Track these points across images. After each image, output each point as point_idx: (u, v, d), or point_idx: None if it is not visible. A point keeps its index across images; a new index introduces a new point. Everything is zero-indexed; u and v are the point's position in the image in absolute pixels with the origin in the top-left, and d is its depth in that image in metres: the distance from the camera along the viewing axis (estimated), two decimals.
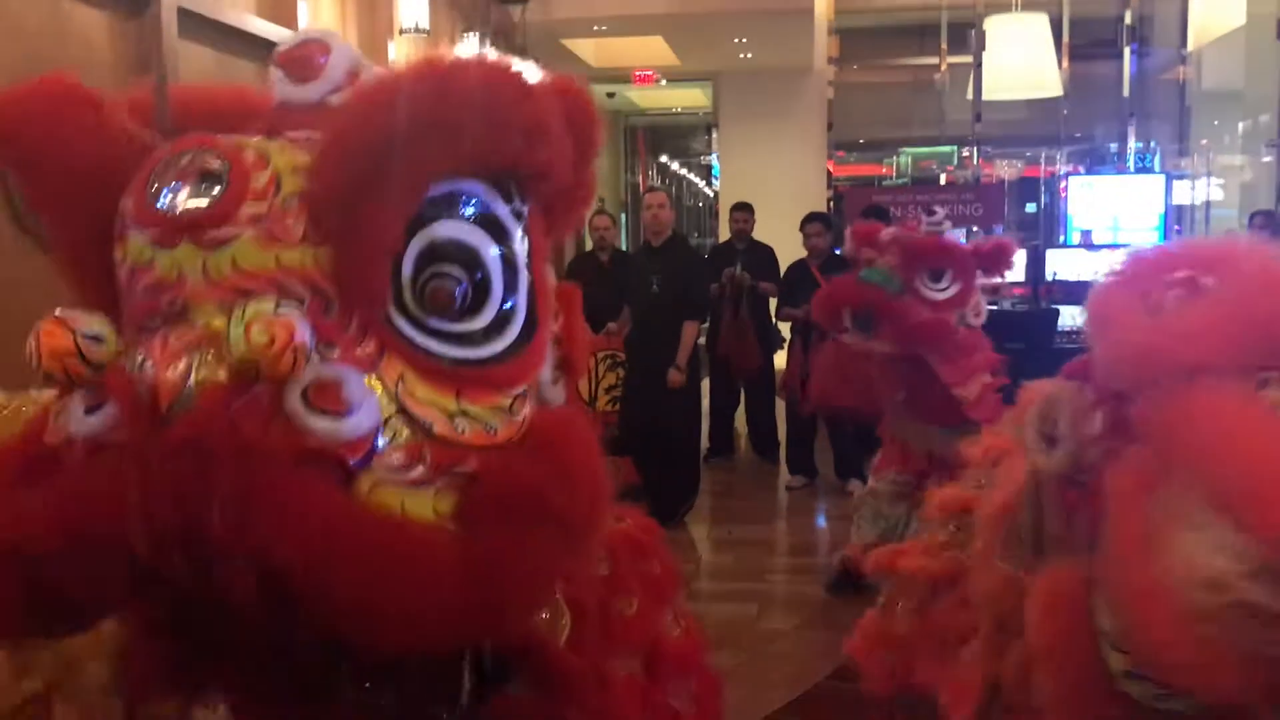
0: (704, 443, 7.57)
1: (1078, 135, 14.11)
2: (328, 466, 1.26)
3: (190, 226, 1.31)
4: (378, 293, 1.34)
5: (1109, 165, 13.54)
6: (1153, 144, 13.51)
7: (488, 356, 1.40)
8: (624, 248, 10.65)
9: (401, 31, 8.82)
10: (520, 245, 1.46)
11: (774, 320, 7.71)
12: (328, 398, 1.27)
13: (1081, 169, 13.65)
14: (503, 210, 1.46)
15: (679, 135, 21.17)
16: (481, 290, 1.41)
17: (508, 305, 1.43)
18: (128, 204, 1.35)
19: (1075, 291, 7.60)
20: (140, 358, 1.24)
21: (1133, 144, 13.35)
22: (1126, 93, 13.37)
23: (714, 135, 14.53)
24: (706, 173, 17.39)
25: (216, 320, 1.25)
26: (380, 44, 8.79)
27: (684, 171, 22.10)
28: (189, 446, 1.17)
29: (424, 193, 1.34)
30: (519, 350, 1.44)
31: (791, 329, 7.17)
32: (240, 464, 1.17)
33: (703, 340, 7.15)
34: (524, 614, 1.42)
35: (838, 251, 8.06)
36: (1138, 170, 12.76)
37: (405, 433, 1.33)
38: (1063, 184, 12.35)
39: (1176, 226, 12.71)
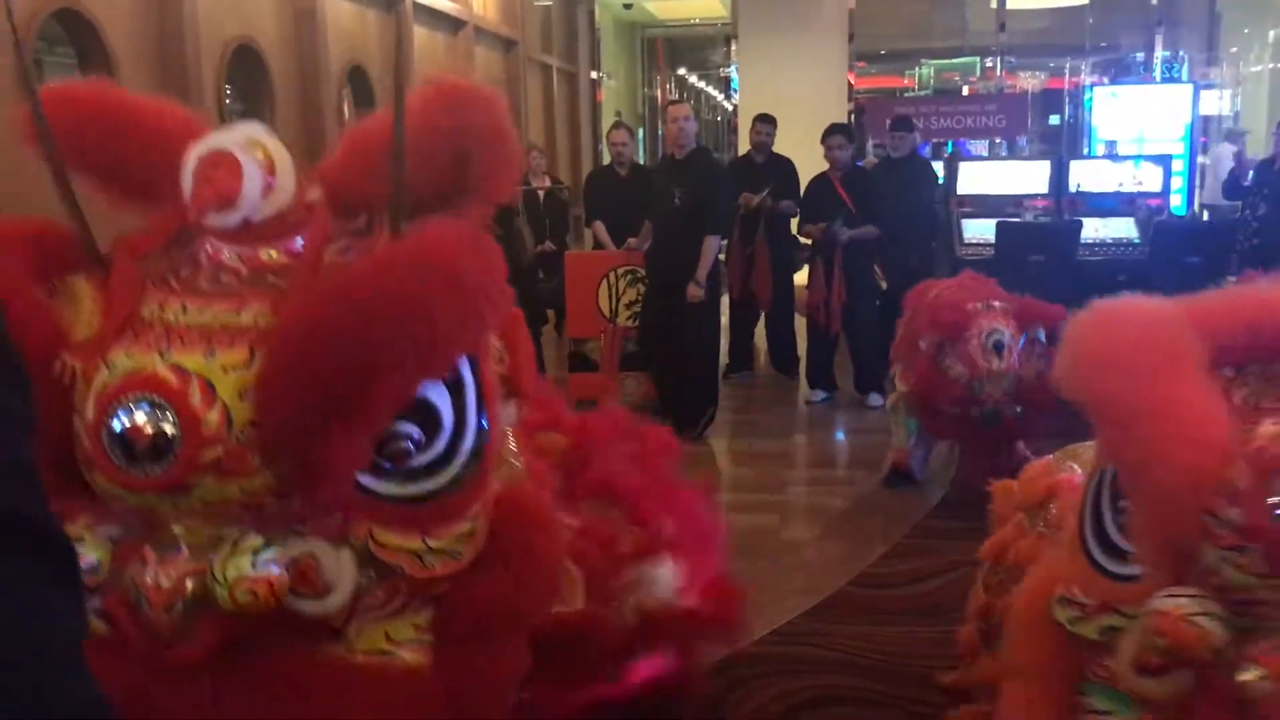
0: (723, 359, 7.59)
1: (1103, 45, 13.83)
2: (318, 628, 1.47)
3: (155, 489, 1.41)
4: (343, 489, 1.47)
5: (1135, 75, 13.27)
6: (1180, 53, 13.22)
7: (444, 485, 1.53)
8: (641, 161, 10.59)
9: None
10: (471, 385, 1.58)
11: (794, 236, 7.68)
12: (308, 582, 1.45)
13: (1106, 79, 13.40)
14: (463, 367, 1.57)
15: (697, 47, 20.84)
16: (432, 428, 1.53)
17: (458, 437, 1.56)
18: (85, 443, 1.42)
19: (1098, 203, 7.54)
20: (129, 576, 1.41)
21: (1160, 53, 13.07)
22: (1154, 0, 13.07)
23: (733, 47, 14.30)
24: (725, 86, 17.16)
25: (196, 542, 1.43)
26: None
27: (702, 84, 21.80)
28: (197, 666, 1.40)
29: (383, 413, 1.45)
30: (471, 470, 1.56)
31: (812, 246, 7.14)
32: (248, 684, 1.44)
33: (723, 256, 7.14)
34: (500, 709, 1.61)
35: (859, 164, 8.00)
36: (1164, 80, 12.51)
37: (381, 577, 1.51)
38: (1087, 95, 12.15)
39: (1203, 137, 12.52)
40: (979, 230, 7.38)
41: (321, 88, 7.45)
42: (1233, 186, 7.48)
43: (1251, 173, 7.42)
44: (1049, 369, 4.57)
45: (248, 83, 6.91)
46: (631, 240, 6.76)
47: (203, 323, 1.47)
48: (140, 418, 1.38)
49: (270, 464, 1.42)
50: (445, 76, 1.71)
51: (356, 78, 8.29)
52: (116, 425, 1.39)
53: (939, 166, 8.44)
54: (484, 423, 1.60)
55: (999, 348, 4.56)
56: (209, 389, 1.41)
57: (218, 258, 1.57)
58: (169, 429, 1.39)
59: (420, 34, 9.21)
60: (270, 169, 1.59)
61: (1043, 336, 4.68)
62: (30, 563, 0.59)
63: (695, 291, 6.09)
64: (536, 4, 11.96)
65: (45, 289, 1.52)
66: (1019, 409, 4.63)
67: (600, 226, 7.27)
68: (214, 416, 1.39)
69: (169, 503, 1.44)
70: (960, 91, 14.10)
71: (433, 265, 1.42)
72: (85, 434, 1.43)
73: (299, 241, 1.59)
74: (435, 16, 9.69)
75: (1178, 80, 12.27)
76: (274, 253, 1.58)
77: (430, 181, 1.63)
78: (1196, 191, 11.52)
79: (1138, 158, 8.39)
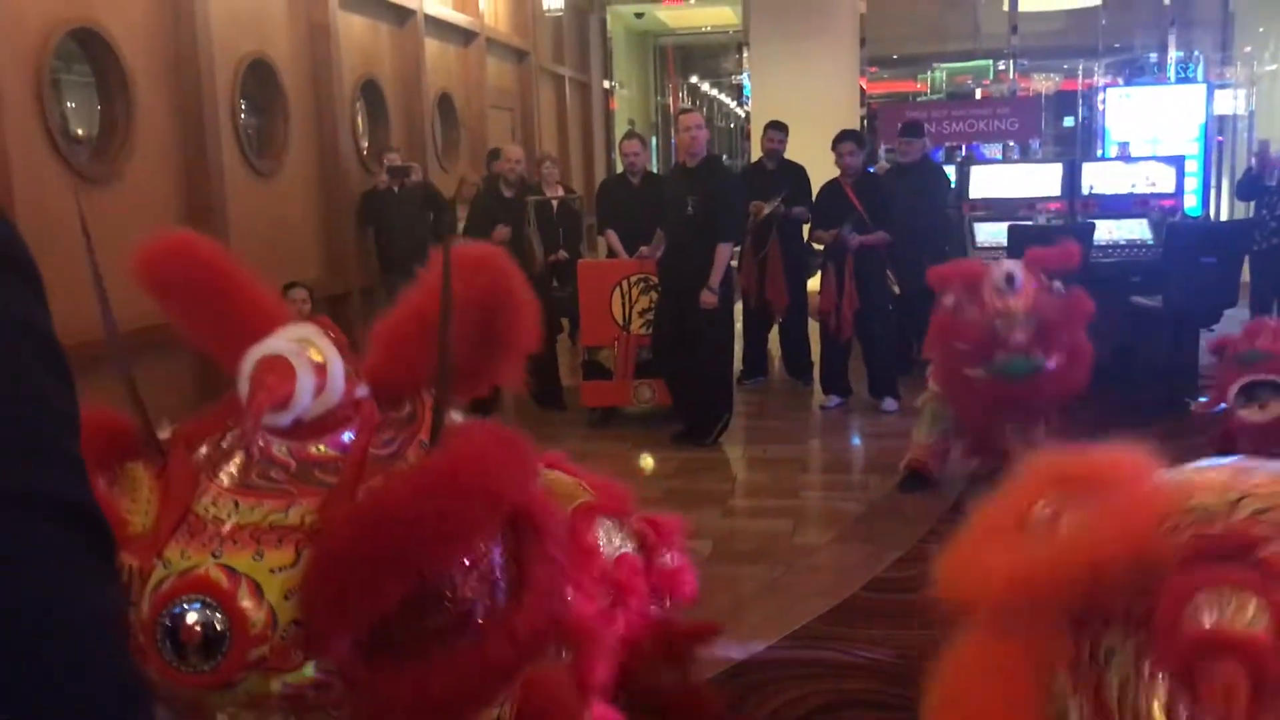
0: (737, 365, 7.61)
1: (1117, 46, 13.78)
2: None
3: (203, 686, 1.51)
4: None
5: (1148, 76, 13.23)
6: (1194, 53, 13.17)
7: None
8: (654, 170, 10.62)
9: None
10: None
11: (807, 243, 7.69)
12: None
13: (1120, 80, 13.36)
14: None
15: (709, 55, 20.89)
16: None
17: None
18: (138, 637, 1.53)
19: (1111, 205, 7.52)
20: None
21: (1173, 53, 13.03)
22: (1167, 0, 13.03)
23: (745, 54, 14.33)
24: (737, 93, 17.20)
25: None
26: None
27: (714, 92, 21.83)
28: None
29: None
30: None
31: (824, 252, 7.14)
32: None
33: (735, 263, 7.15)
34: None
35: (871, 170, 8.01)
36: (1178, 80, 12.47)
37: None
38: (1101, 96, 12.12)
39: (1219, 137, 12.47)
40: (992, 234, 7.37)
41: (335, 101, 7.51)
42: (1249, 186, 7.45)
43: (1278, 171, 7.39)
44: (1073, 307, 4.76)
45: (262, 96, 6.98)
46: (644, 249, 6.79)
47: (253, 521, 1.57)
48: (192, 617, 1.48)
49: (311, 658, 1.51)
50: (455, 245, 1.84)
51: (369, 91, 8.35)
52: (170, 623, 1.48)
53: (951, 170, 8.44)
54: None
55: (1010, 280, 4.63)
56: (257, 590, 1.51)
57: (269, 451, 1.67)
58: (218, 629, 1.48)
59: (432, 46, 9.27)
60: (321, 370, 1.69)
61: (1060, 285, 4.80)
62: (83, 543, 0.63)
63: (709, 298, 6.12)
64: (548, 14, 12.01)
65: (106, 478, 1.64)
66: (1048, 357, 4.68)
67: (613, 235, 7.30)
68: (261, 617, 1.49)
69: (215, 696, 1.54)
70: (973, 95, 14.09)
71: (471, 487, 1.56)
72: (139, 629, 1.54)
73: (347, 436, 1.70)
74: (447, 28, 9.75)
75: (1192, 80, 12.22)
76: (323, 447, 1.68)
77: (461, 350, 1.77)
78: (1212, 191, 11.49)
79: (1152, 158, 8.37)
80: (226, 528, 1.56)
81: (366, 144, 8.37)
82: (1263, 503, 1.64)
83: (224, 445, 1.71)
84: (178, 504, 1.60)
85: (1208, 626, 1.58)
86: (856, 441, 6.69)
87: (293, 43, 7.18)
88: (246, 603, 1.48)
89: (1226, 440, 4.19)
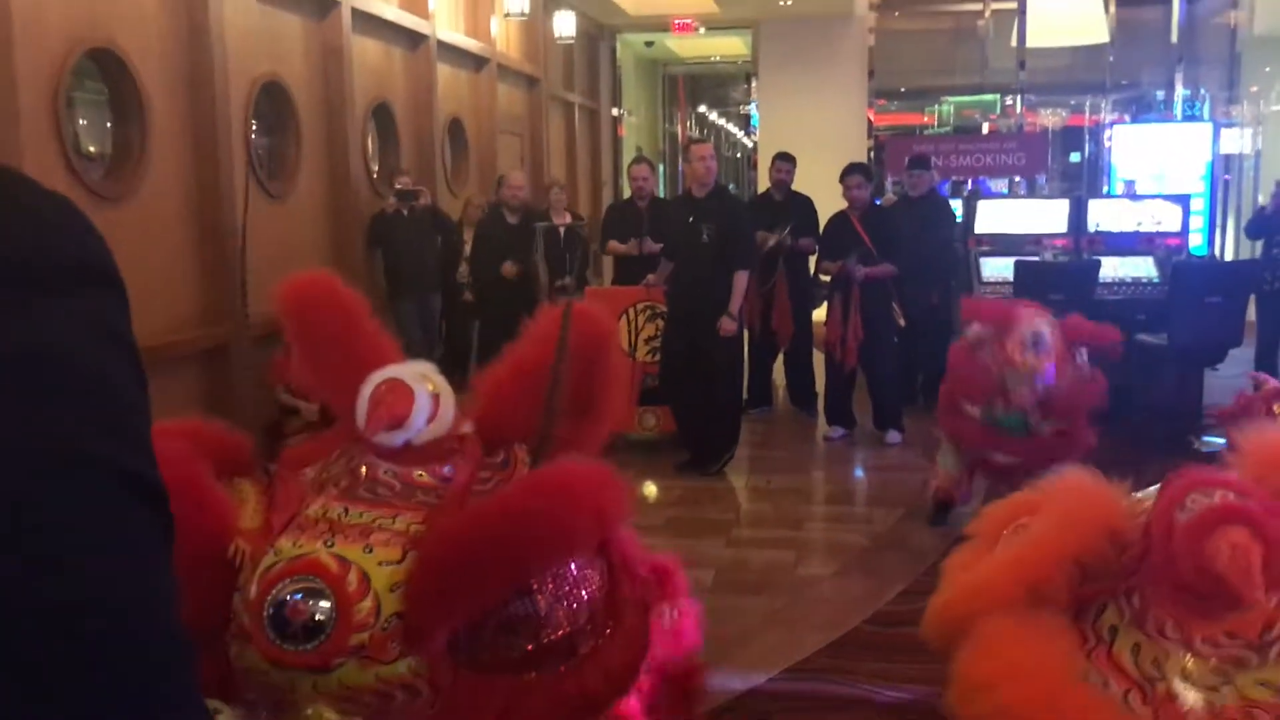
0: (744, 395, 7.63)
1: (1124, 82, 13.84)
2: None
3: (303, 665, 1.54)
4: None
5: (1155, 113, 13.29)
6: (1201, 91, 13.24)
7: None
8: (661, 196, 10.66)
9: None
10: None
11: (813, 275, 7.72)
12: None
13: (1127, 117, 13.42)
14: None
15: (718, 85, 21.00)
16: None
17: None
18: (243, 619, 1.58)
19: (1117, 242, 7.54)
20: None
21: (1180, 91, 13.09)
22: (1175, 38, 13.09)
23: (753, 84, 14.42)
24: (745, 123, 17.27)
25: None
26: None
27: (722, 121, 21.93)
28: None
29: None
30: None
31: (830, 283, 7.17)
32: None
33: None
34: None
35: (877, 202, 8.04)
36: (1185, 118, 12.52)
37: None
38: (1107, 133, 12.16)
39: (1226, 175, 12.51)
40: (998, 269, 7.39)
41: (346, 123, 7.56)
42: (1259, 224, 7.43)
43: None
44: (1086, 390, 4.70)
45: (275, 118, 7.02)
46: (650, 276, 6.81)
47: (362, 523, 1.65)
48: (299, 596, 1.54)
49: (408, 654, 1.54)
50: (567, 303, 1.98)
51: (381, 114, 8.40)
52: (278, 605, 1.55)
53: (958, 204, 8.47)
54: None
55: (1039, 342, 4.58)
56: (365, 579, 1.57)
57: (374, 473, 1.75)
58: (324, 612, 1.54)
59: (444, 71, 9.33)
60: (436, 400, 1.80)
61: (1085, 358, 4.75)
62: (160, 523, 0.69)
63: (729, 325, 6.14)
64: (559, 42, 12.10)
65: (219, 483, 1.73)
66: (1044, 425, 4.65)
67: (615, 243, 7.40)
68: (366, 604, 1.55)
69: (310, 681, 1.56)
70: (980, 129, 14.15)
71: (579, 495, 1.63)
72: (245, 610, 1.59)
73: (448, 469, 1.79)
74: (459, 54, 9.82)
75: (1198, 118, 12.27)
76: (425, 474, 1.77)
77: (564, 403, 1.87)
78: (1218, 231, 11.51)
79: (1156, 196, 8.40)
80: (338, 524, 1.63)
81: (377, 167, 8.41)
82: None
83: (332, 470, 1.79)
84: (288, 509, 1.69)
85: (1202, 509, 1.69)
86: (860, 474, 6.69)
87: (306, 65, 7.23)
88: (354, 588, 1.54)
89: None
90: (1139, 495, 2.00)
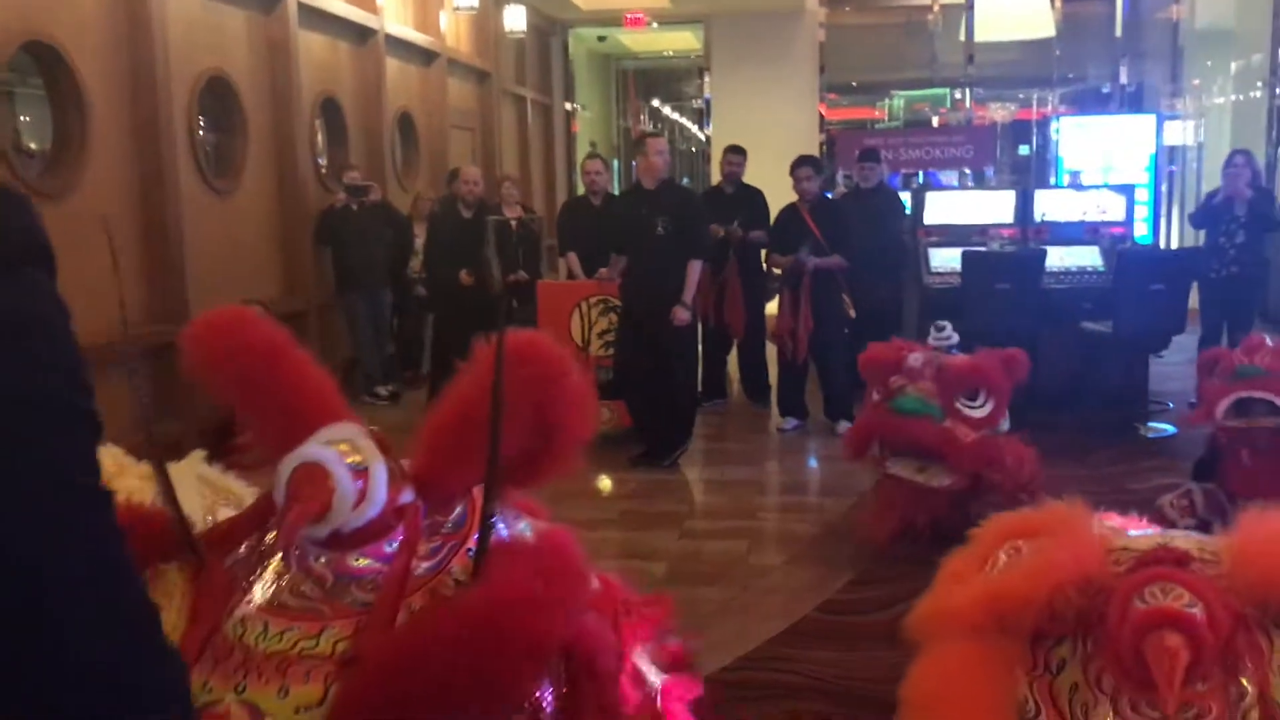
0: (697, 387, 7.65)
1: (1070, 76, 14.04)
2: None
3: None
4: None
5: (1102, 106, 13.49)
6: (1145, 84, 13.45)
7: None
8: (614, 192, 10.66)
9: None
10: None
11: (765, 268, 7.75)
12: None
13: (1075, 110, 13.60)
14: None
15: (671, 79, 21.03)
16: None
17: None
18: None
19: (1063, 232, 7.64)
20: None
21: (1124, 84, 13.30)
22: (1119, 33, 13.30)
23: (706, 79, 14.45)
24: (699, 117, 17.30)
25: None
26: None
27: (676, 116, 21.97)
28: None
29: None
30: None
31: (782, 276, 7.20)
32: None
33: None
34: None
35: (828, 195, 8.09)
36: (1130, 111, 12.72)
37: None
38: (1054, 125, 12.32)
39: (1171, 167, 12.72)
40: (946, 260, 7.46)
41: (294, 118, 7.48)
42: (1205, 214, 7.49)
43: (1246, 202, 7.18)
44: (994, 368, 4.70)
45: (220, 113, 6.94)
46: (603, 270, 6.81)
47: (281, 649, 1.49)
48: None
49: None
50: (512, 334, 1.73)
51: (329, 108, 8.33)
52: None
53: (907, 197, 8.54)
54: None
55: (942, 328, 4.82)
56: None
57: (305, 562, 1.59)
58: None
59: (393, 66, 9.26)
60: (362, 475, 1.59)
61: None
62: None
63: (683, 314, 6.15)
64: (510, 36, 12.05)
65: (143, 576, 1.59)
66: (945, 417, 4.65)
67: (573, 258, 7.32)
68: None
69: None
70: (930, 123, 14.28)
71: (511, 635, 1.44)
72: None
73: (389, 547, 1.61)
74: (408, 48, 9.76)
75: (1142, 111, 12.47)
76: (364, 560, 1.60)
77: (513, 443, 1.66)
78: (1163, 220, 11.70)
79: (1101, 187, 8.52)
80: (253, 657, 1.47)
81: (325, 162, 8.34)
82: (1183, 543, 2.03)
83: (262, 547, 1.62)
84: (207, 620, 1.53)
85: (1153, 607, 1.88)
86: (813, 464, 6.73)
87: (252, 59, 7.15)
88: None
89: (1212, 452, 4.26)
90: (1131, 537, 2.12)
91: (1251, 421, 3.96)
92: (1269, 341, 4.21)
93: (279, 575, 1.58)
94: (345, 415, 1.75)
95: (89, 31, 5.51)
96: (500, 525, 1.73)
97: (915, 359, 4.72)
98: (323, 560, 1.58)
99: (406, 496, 1.66)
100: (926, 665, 2.16)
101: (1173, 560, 2.00)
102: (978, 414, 4.59)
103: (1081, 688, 2.00)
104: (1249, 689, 1.94)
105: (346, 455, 1.59)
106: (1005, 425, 4.70)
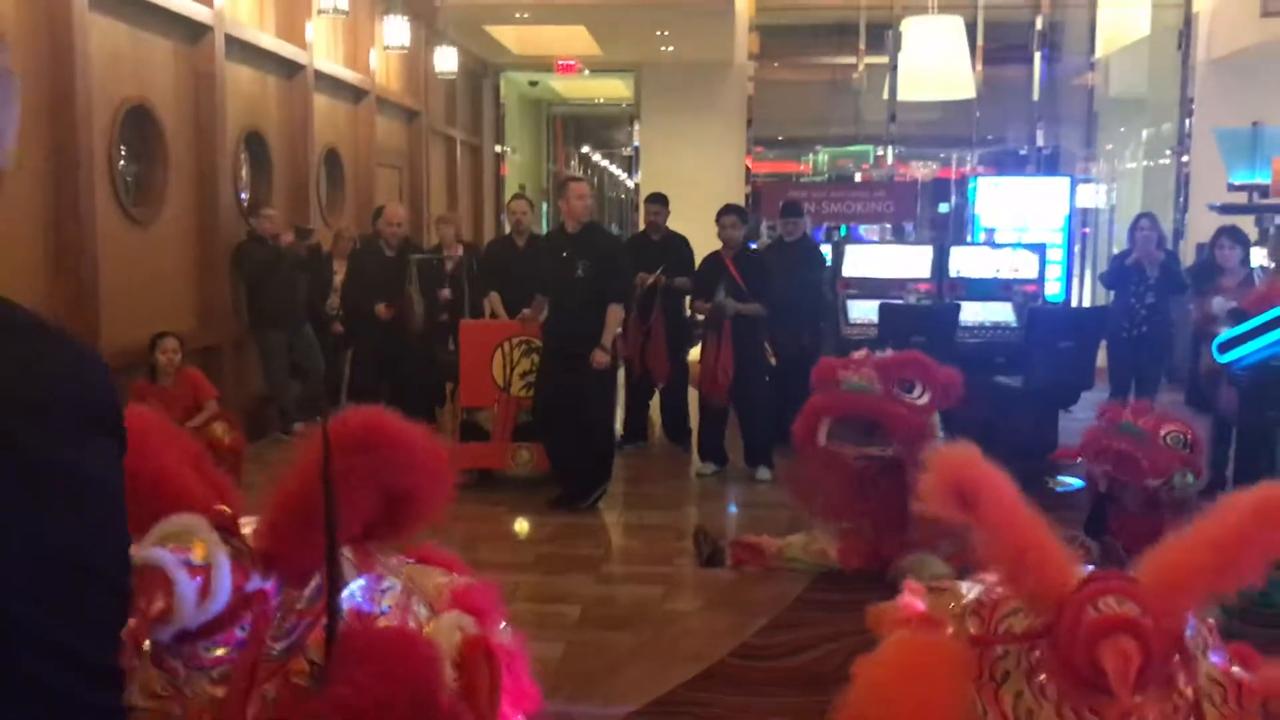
0: (618, 430, 7.66)
1: (989, 138, 14.47)
2: None
3: None
4: None
5: (1019, 168, 13.90)
6: (1060, 147, 13.90)
7: None
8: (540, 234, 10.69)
9: (320, 12, 8.75)
10: None
11: (689, 314, 7.82)
12: None
13: (993, 170, 14.00)
14: None
15: (602, 126, 21.22)
16: None
17: None
18: None
19: (977, 288, 7.83)
20: None
21: (1041, 146, 13.73)
22: (1036, 97, 13.75)
23: (635, 127, 14.60)
24: (628, 164, 17.47)
25: None
26: (299, 24, 8.71)
27: (605, 163, 22.15)
28: None
29: None
30: None
31: (704, 321, 7.27)
32: None
33: (620, 330, 7.22)
34: None
35: (752, 245, 8.21)
36: (1045, 173, 13.12)
37: None
38: (971, 184, 12.66)
39: (1084, 228, 13.13)
40: (864, 311, 7.60)
41: (217, 151, 7.40)
42: (1117, 275, 7.61)
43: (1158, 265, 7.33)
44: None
45: (141, 144, 6.84)
46: (525, 311, 6.81)
47: None
48: None
49: None
50: (352, 414, 1.74)
51: (254, 142, 8.26)
52: None
53: (828, 249, 8.71)
54: None
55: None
56: None
57: (158, 659, 1.59)
58: None
59: (321, 102, 9.22)
60: (205, 570, 1.58)
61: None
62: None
63: (601, 358, 6.17)
64: (440, 77, 12.08)
65: None
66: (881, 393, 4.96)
67: (496, 298, 7.32)
68: None
69: None
70: (853, 178, 14.59)
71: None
72: None
73: (241, 631, 1.62)
74: (337, 85, 9.73)
75: (1057, 173, 12.88)
76: (217, 650, 1.61)
77: (360, 518, 1.69)
78: (1075, 279, 12.06)
79: (1015, 245, 8.77)
80: None
81: (247, 196, 8.25)
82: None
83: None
84: None
85: (1107, 615, 2.03)
86: (732, 509, 6.76)
87: (176, 90, 7.07)
88: None
89: (1099, 508, 4.88)
90: (1081, 571, 2.31)
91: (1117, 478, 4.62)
92: (1156, 409, 4.83)
93: (130, 673, 1.55)
94: (199, 498, 1.70)
95: (7, 54, 5.41)
96: (357, 597, 1.70)
97: (858, 354, 5.21)
98: (176, 655, 1.57)
99: (254, 583, 1.64)
100: (880, 659, 2.33)
101: (1119, 577, 2.17)
102: (915, 402, 5.00)
103: (1025, 695, 2.16)
104: (1182, 701, 2.11)
105: (187, 550, 1.56)
106: (940, 432, 5.05)
